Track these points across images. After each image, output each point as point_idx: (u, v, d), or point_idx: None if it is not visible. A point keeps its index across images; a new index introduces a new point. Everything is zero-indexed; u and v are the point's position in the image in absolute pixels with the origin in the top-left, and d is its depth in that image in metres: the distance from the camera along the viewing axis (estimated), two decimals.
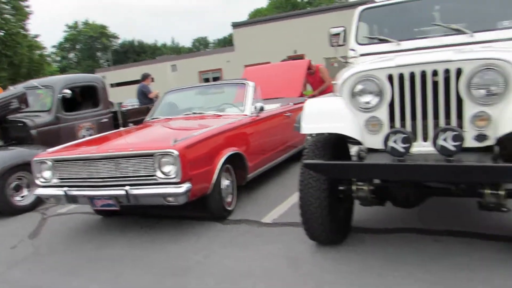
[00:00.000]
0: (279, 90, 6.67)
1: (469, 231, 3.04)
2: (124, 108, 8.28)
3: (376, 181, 2.89)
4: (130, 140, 4.13)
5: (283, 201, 4.23)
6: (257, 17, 43.90)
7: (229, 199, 4.08)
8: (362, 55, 3.84)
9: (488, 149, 2.37)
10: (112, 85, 32.32)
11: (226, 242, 3.37)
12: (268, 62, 19.00)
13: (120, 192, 3.49)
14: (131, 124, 6.28)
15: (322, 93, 6.68)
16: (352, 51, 3.97)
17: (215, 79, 29.25)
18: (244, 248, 3.21)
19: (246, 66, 13.57)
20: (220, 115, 4.76)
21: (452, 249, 2.79)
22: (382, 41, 3.79)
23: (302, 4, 52.59)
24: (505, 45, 3.11)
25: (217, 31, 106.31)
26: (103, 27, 57.70)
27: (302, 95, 6.69)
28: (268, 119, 5.06)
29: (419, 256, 2.75)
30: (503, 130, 2.24)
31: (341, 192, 2.86)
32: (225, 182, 4.01)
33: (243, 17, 76.48)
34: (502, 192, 2.28)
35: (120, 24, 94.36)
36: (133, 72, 30.37)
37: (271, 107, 5.46)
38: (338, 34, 4.06)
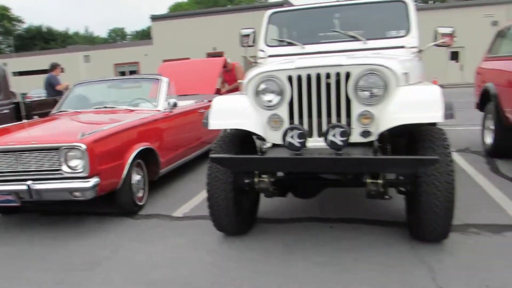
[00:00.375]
0: (195, 86, 6.73)
1: (360, 218, 3.40)
2: (28, 100, 7.74)
3: (280, 174, 3.12)
4: (33, 133, 3.95)
5: (195, 196, 4.33)
6: (178, 11, 43.16)
7: (140, 194, 4.07)
8: (270, 56, 4.06)
9: (372, 144, 2.69)
10: (14, 74, 29.78)
11: (136, 236, 3.39)
12: (188, 58, 18.84)
13: (21, 187, 3.34)
14: (36, 117, 5.93)
15: (234, 90, 6.87)
16: (261, 52, 4.18)
17: (132, 72, 28.30)
18: (153, 242, 3.25)
19: (165, 60, 13.39)
20: (133, 110, 4.72)
21: (344, 234, 3.10)
22: (290, 43, 4.05)
23: (223, 1, 52.74)
24: (392, 52, 3.51)
25: (135, 22, 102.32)
26: (5, 9, 52.45)
27: (218, 92, 6.82)
28: (181, 115, 5.12)
29: (316, 241, 3.02)
30: (382, 127, 2.57)
31: (246, 185, 3.03)
32: (136, 177, 4.00)
33: (163, 10, 74.59)
34: (380, 181, 2.60)
35: (26, 6, 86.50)
36: (40, 60, 28.27)
37: (185, 104, 5.52)
38: (248, 35, 4.26)
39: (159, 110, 4.71)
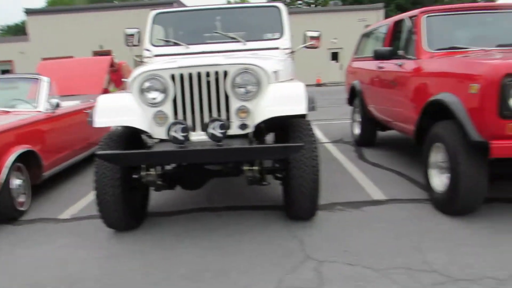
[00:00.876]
0: (79, 86, 6.51)
1: (245, 205, 3.72)
2: None
3: (168, 167, 3.27)
4: None
5: (83, 197, 4.25)
6: (58, 6, 40.04)
7: (21, 199, 3.88)
8: (156, 55, 4.18)
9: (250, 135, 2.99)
10: None
11: (18, 241, 3.25)
12: (71, 56, 17.75)
13: None
14: None
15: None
16: (147, 51, 4.27)
17: (5, 72, 25.54)
18: (38, 245, 3.16)
19: (44, 59, 12.47)
20: (9, 112, 4.45)
21: (230, 220, 3.37)
22: (175, 44, 4.21)
23: None
24: (268, 53, 3.88)
25: (5, 16, 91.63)
26: None
27: (106, 92, 6.66)
28: (65, 116, 4.96)
29: (204, 229, 3.24)
30: (257, 120, 2.88)
31: (135, 180, 3.12)
32: (16, 182, 3.81)
33: (40, 3, 68.40)
34: (256, 168, 2.92)
35: None
36: None
37: (70, 104, 5.33)
38: (133, 35, 4.31)
39: (39, 111, 4.51)
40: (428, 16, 4.04)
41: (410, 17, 4.25)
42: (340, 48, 25.96)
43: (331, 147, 6.05)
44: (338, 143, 6.35)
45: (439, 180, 3.31)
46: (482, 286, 2.25)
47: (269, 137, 4.34)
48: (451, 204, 3.11)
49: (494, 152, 2.71)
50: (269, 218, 3.37)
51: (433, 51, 3.81)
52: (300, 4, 44.25)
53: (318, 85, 24.94)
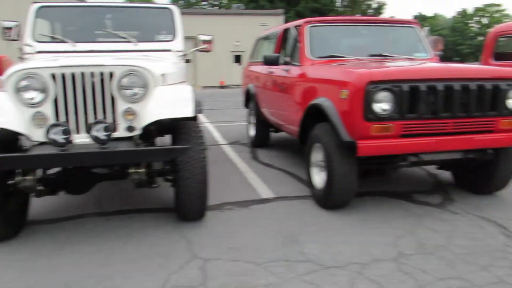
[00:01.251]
0: None
1: (136, 208, 3.66)
2: None
3: (51, 171, 3.10)
4: None
5: None
6: None
7: None
8: (40, 52, 3.92)
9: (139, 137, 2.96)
10: None
11: None
12: None
13: None
14: None
15: None
16: (29, 47, 3.99)
17: None
18: None
19: None
20: None
21: (118, 224, 3.30)
22: (62, 40, 3.99)
23: None
24: (160, 55, 3.88)
25: None
26: None
27: None
28: None
29: (89, 234, 3.13)
30: (144, 122, 2.87)
31: (10, 186, 2.91)
32: None
33: None
34: (142, 170, 2.91)
35: None
36: None
37: None
38: (11, 28, 4.00)
39: None
40: (311, 26, 4.38)
41: (296, 26, 4.55)
42: (243, 51, 26.55)
43: (227, 149, 6.21)
44: (234, 145, 6.53)
45: (319, 178, 3.61)
46: (348, 271, 2.53)
47: (167, 139, 4.34)
48: (327, 199, 3.42)
49: (360, 150, 3.05)
50: (159, 220, 3.37)
51: (314, 59, 4.14)
52: (204, 5, 44.34)
53: (222, 87, 25.21)
